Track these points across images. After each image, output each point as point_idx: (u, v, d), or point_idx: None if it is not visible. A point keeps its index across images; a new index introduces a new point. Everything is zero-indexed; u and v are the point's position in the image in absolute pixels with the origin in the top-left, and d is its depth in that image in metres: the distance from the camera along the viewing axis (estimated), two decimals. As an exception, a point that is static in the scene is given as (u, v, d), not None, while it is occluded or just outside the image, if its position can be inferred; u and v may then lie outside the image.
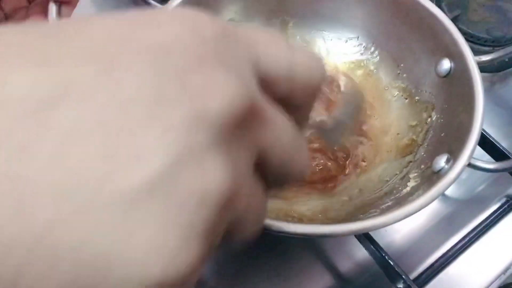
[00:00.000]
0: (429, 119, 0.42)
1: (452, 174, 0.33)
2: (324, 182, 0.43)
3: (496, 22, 0.59)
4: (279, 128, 0.15)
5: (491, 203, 0.48)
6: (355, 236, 0.42)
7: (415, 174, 0.39)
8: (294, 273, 0.43)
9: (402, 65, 0.47)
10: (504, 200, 0.48)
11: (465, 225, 0.46)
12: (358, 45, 0.50)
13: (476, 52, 0.40)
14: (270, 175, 0.16)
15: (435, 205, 0.48)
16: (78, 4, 0.37)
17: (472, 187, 0.50)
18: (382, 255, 0.40)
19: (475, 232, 0.45)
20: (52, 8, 0.35)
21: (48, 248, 0.10)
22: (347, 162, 0.44)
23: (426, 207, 0.32)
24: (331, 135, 0.39)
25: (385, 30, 0.47)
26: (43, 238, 0.10)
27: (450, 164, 0.35)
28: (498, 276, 0.43)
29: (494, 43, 0.57)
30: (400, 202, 0.35)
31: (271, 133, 0.15)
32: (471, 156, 0.34)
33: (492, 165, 0.36)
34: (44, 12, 0.35)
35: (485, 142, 0.47)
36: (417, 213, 0.31)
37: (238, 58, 0.14)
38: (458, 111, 0.39)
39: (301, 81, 0.17)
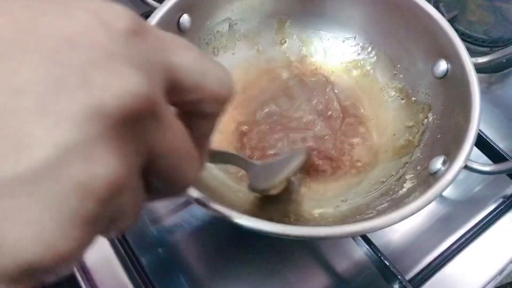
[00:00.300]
0: (425, 120, 0.42)
1: (448, 176, 0.33)
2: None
3: (494, 23, 0.59)
4: (174, 135, 0.15)
5: (487, 204, 0.48)
6: (351, 236, 0.42)
7: (412, 175, 0.39)
8: (291, 274, 0.43)
9: (399, 65, 0.47)
10: (500, 201, 0.48)
11: (461, 226, 0.46)
12: (355, 45, 0.50)
13: (474, 53, 0.40)
14: (156, 181, 0.17)
15: (432, 206, 0.48)
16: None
17: (469, 188, 0.50)
18: (378, 255, 0.40)
19: (471, 233, 0.45)
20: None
21: None
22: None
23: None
24: (257, 177, 0.38)
25: (382, 30, 0.47)
26: None
27: (446, 166, 0.35)
28: (494, 277, 0.43)
29: (492, 44, 0.57)
30: (397, 203, 0.35)
31: (165, 138, 0.15)
32: (467, 158, 0.34)
33: (488, 167, 0.36)
34: None
35: (482, 143, 0.47)
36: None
37: (147, 59, 0.14)
38: (454, 112, 0.39)
39: (210, 91, 0.17)
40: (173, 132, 0.15)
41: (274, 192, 0.38)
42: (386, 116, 0.46)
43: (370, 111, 0.47)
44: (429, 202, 0.32)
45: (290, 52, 0.51)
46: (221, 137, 0.44)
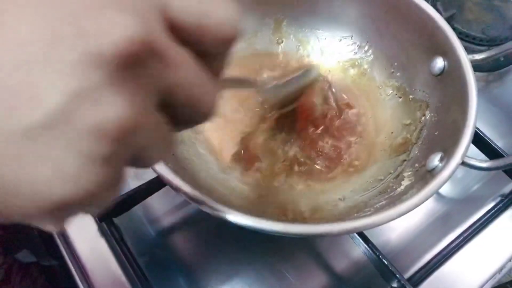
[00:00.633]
0: (423, 118, 0.42)
1: (446, 173, 0.33)
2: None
3: (492, 21, 0.59)
4: (183, 68, 0.16)
5: (486, 202, 0.48)
6: (349, 235, 0.42)
7: (409, 172, 0.39)
8: (289, 272, 0.43)
9: (396, 63, 0.47)
10: (499, 199, 0.48)
11: (460, 224, 0.46)
12: (352, 44, 0.50)
13: (471, 52, 0.40)
14: (177, 114, 0.17)
15: (430, 204, 0.48)
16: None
17: (467, 186, 0.49)
18: (376, 254, 0.39)
19: (470, 231, 0.45)
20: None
21: None
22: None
23: (422, 206, 0.32)
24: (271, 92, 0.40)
25: (379, 28, 0.47)
26: None
27: (444, 162, 0.35)
28: (493, 275, 0.43)
29: (490, 43, 0.57)
30: (394, 201, 0.35)
31: (174, 72, 0.16)
32: (464, 155, 0.34)
33: (485, 163, 0.36)
34: None
35: (479, 140, 0.47)
36: (412, 212, 0.31)
37: (142, 1, 0.15)
38: (451, 109, 0.39)
39: (212, 30, 0.17)
40: (182, 65, 0.16)
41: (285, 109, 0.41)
42: (383, 115, 0.46)
43: (367, 109, 0.47)
44: (427, 198, 0.31)
45: (287, 51, 0.51)
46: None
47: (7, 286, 0.47)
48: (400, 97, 0.46)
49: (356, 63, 0.50)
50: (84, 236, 0.42)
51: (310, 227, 0.31)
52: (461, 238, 0.45)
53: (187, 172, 0.38)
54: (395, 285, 0.40)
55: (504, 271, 0.44)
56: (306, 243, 0.45)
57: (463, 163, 0.35)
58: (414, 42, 0.44)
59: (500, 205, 0.47)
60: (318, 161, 0.43)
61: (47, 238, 0.48)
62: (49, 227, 0.15)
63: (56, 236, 0.42)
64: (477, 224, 0.46)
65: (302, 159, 0.43)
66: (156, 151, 0.17)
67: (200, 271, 0.43)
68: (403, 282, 0.39)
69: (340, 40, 0.50)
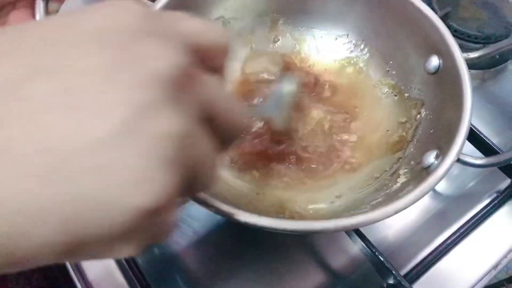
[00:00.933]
0: (418, 116, 0.43)
1: (441, 170, 0.33)
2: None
3: (487, 19, 0.59)
4: (214, 85, 0.19)
5: (481, 199, 0.48)
6: (346, 232, 0.42)
7: (405, 170, 0.39)
8: (286, 269, 0.43)
9: (391, 62, 0.47)
10: (494, 195, 0.48)
11: (456, 221, 0.47)
12: (347, 43, 0.50)
13: (467, 50, 0.40)
14: (219, 129, 0.19)
15: (426, 201, 0.48)
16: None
17: (463, 183, 0.50)
18: (373, 251, 0.40)
19: (465, 228, 0.45)
20: (40, 3, 0.34)
21: (50, 195, 0.14)
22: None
23: (418, 203, 0.32)
24: (272, 110, 0.40)
25: (375, 27, 0.47)
26: (44, 186, 0.13)
27: (439, 160, 0.35)
28: (489, 271, 0.44)
29: (485, 41, 0.58)
30: (391, 198, 0.35)
31: (209, 89, 0.18)
32: (460, 152, 0.34)
33: (481, 160, 0.36)
34: (31, 7, 0.35)
35: (474, 138, 0.47)
36: (409, 209, 0.31)
37: (167, 31, 0.18)
38: (447, 107, 0.39)
39: (215, 46, 0.20)
40: (212, 82, 0.19)
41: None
42: (379, 113, 0.46)
43: (363, 107, 0.47)
44: (423, 195, 0.32)
45: (284, 50, 0.51)
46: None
47: (3, 285, 0.47)
48: (396, 95, 0.46)
49: (352, 62, 0.50)
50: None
51: (307, 224, 0.31)
52: (457, 234, 0.45)
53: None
54: (391, 281, 0.40)
55: (499, 267, 0.44)
56: (303, 241, 0.45)
57: (459, 160, 0.35)
58: (410, 41, 0.44)
59: (496, 201, 0.47)
60: (315, 159, 0.44)
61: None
62: (127, 250, 0.16)
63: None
64: (473, 221, 0.46)
65: (298, 157, 0.43)
66: (206, 172, 0.18)
67: (197, 271, 0.43)
68: (399, 278, 0.39)
69: (336, 38, 0.50)
